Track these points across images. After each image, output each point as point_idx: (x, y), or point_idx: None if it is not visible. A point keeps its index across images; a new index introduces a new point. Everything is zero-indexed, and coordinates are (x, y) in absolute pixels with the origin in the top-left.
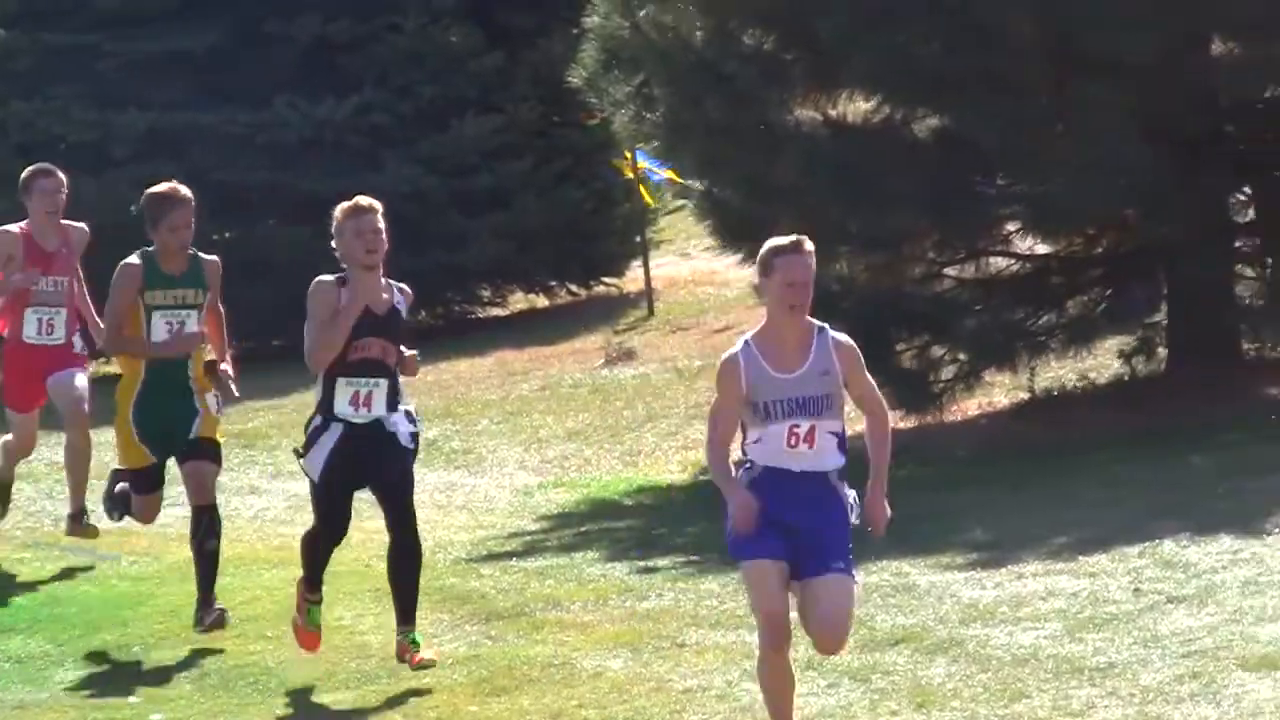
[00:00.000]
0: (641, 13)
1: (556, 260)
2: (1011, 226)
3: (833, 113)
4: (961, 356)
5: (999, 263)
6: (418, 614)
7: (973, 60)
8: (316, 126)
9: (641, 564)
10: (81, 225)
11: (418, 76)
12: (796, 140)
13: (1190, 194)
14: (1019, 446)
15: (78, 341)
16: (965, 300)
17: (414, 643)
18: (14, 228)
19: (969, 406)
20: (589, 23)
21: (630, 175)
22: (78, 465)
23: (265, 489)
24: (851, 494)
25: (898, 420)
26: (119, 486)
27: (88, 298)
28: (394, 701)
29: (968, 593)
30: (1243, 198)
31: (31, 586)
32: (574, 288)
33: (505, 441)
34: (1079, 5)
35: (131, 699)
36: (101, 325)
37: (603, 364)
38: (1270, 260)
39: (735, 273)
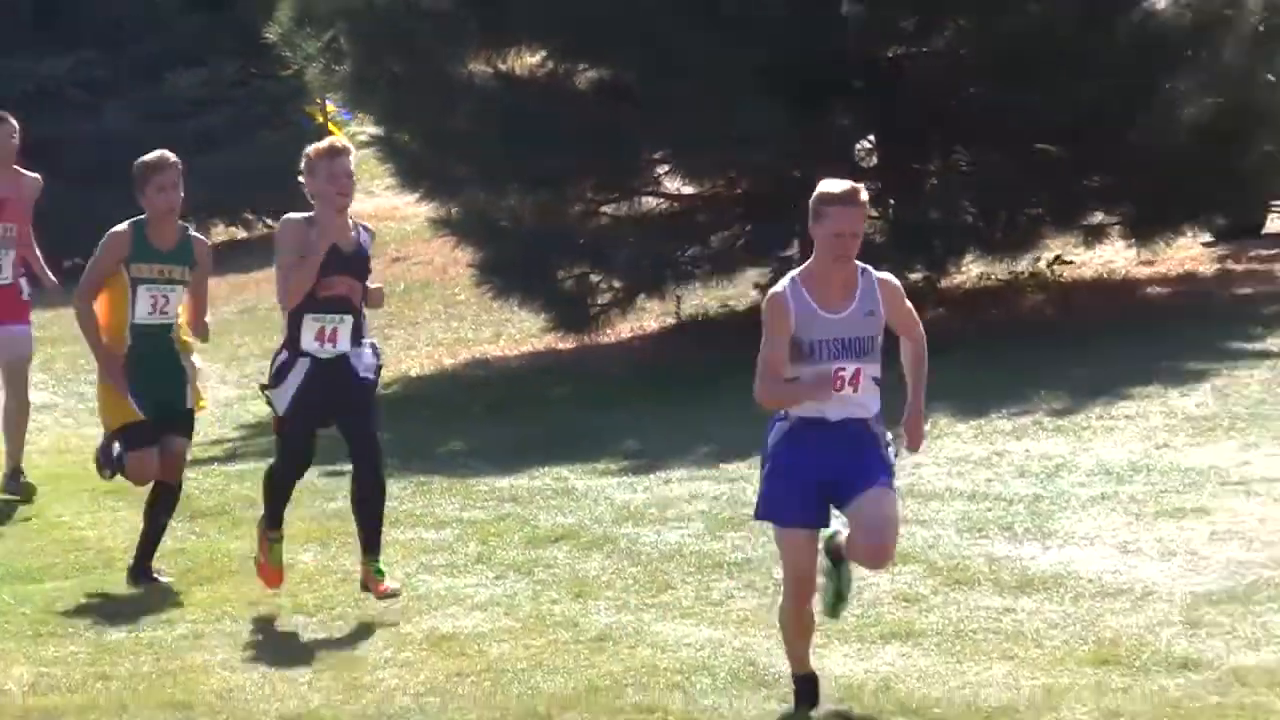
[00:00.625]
0: None
1: (255, 197)
2: (661, 170)
3: (503, 67)
4: (616, 284)
5: (650, 202)
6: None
7: (624, 15)
8: (41, 80)
9: (329, 467)
10: (35, 175)
11: (133, 34)
12: (471, 91)
13: (818, 142)
14: (667, 366)
15: (24, 286)
16: (620, 234)
17: (379, 573)
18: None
19: (622, 330)
20: None
21: (321, 120)
22: (20, 424)
23: None
24: (888, 434)
25: (557, 340)
26: (115, 447)
27: (36, 248)
28: (108, 591)
29: (621, 496)
30: (868, 145)
31: None
32: (269, 222)
33: (208, 359)
34: None
35: None
36: (49, 276)
37: None
38: (892, 202)
39: (413, 209)
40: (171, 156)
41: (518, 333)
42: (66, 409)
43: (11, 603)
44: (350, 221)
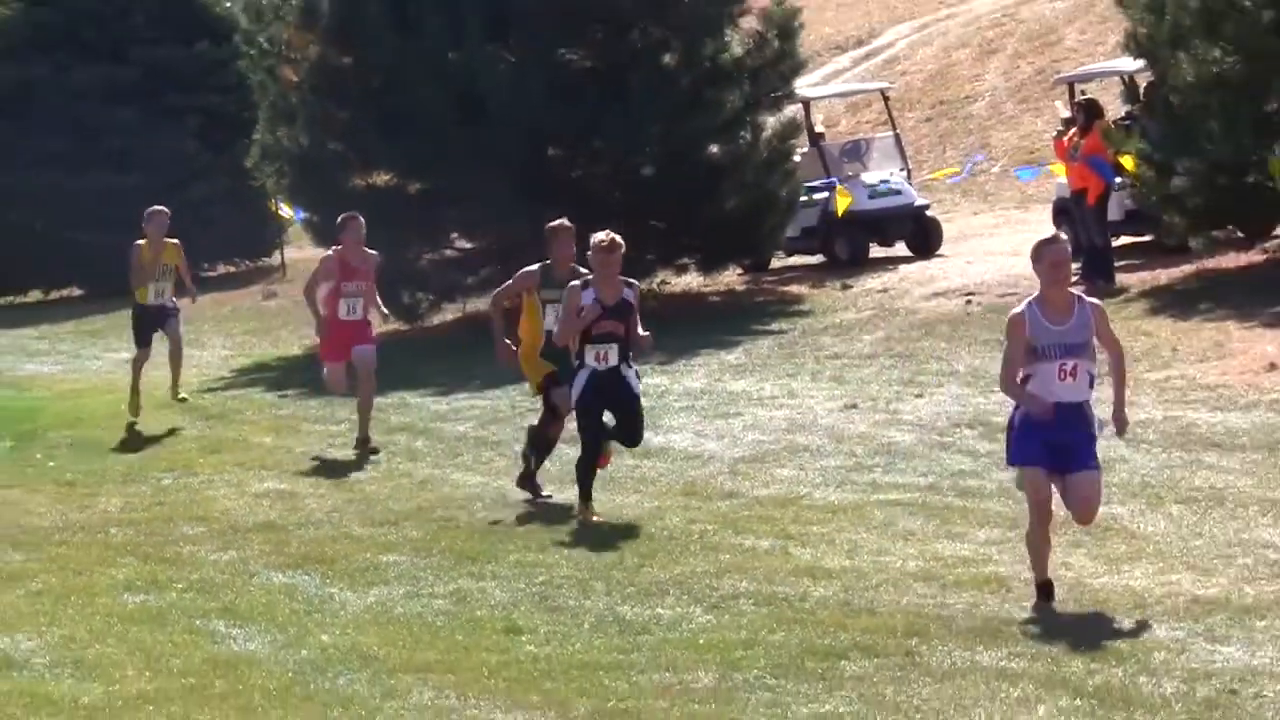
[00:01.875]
0: (279, 133)
1: (240, 248)
2: (454, 235)
3: (372, 182)
4: (431, 297)
5: (449, 252)
6: None
7: (434, 153)
8: None
9: (279, 393)
10: (375, 252)
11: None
12: (355, 196)
13: (538, 221)
14: (454, 341)
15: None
16: (433, 270)
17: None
18: (332, 252)
19: (434, 322)
20: (255, 137)
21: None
22: (368, 405)
23: (103, 357)
24: (1098, 417)
25: (403, 328)
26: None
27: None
28: (164, 457)
29: (434, 405)
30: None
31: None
32: (249, 261)
33: (218, 336)
34: None
35: (38, 455)
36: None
37: (262, 298)
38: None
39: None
40: (568, 223)
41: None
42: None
43: (112, 464)
44: (621, 280)
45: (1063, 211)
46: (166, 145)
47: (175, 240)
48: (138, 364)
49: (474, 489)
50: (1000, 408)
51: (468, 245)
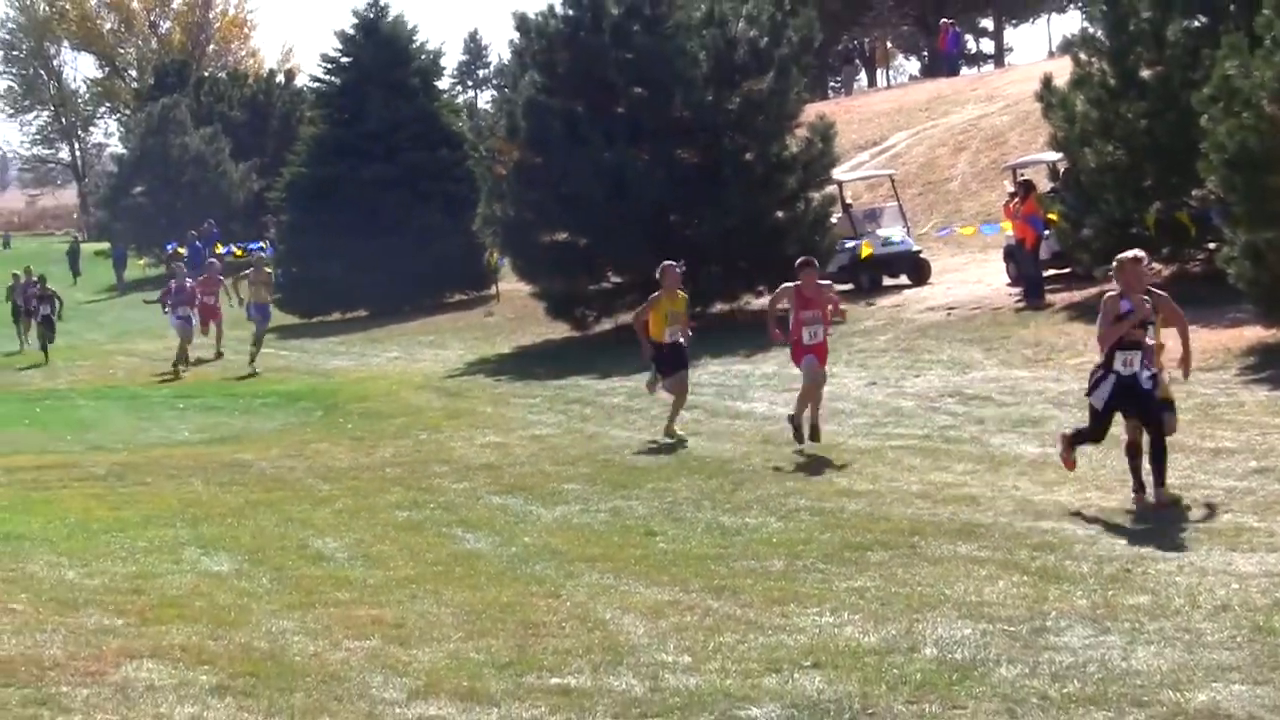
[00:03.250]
0: (495, 207)
1: (466, 281)
2: (609, 272)
3: (555, 238)
4: (593, 314)
5: (605, 284)
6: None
7: (590, 220)
8: None
9: (498, 377)
10: (828, 282)
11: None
12: (546, 247)
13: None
14: (612, 342)
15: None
16: (596, 295)
17: (1174, 500)
18: (790, 285)
19: (596, 330)
20: (480, 210)
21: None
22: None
23: (379, 356)
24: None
25: (574, 334)
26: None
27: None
28: (419, 420)
29: (597, 385)
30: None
31: (308, 387)
32: (473, 291)
33: (457, 341)
34: None
35: (340, 420)
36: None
37: (485, 315)
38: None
39: (525, 287)
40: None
41: (559, 331)
42: (407, 359)
43: (384, 426)
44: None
45: (1010, 254)
46: (420, 217)
47: None
48: None
49: (624, 440)
50: (970, 384)
51: (618, 279)
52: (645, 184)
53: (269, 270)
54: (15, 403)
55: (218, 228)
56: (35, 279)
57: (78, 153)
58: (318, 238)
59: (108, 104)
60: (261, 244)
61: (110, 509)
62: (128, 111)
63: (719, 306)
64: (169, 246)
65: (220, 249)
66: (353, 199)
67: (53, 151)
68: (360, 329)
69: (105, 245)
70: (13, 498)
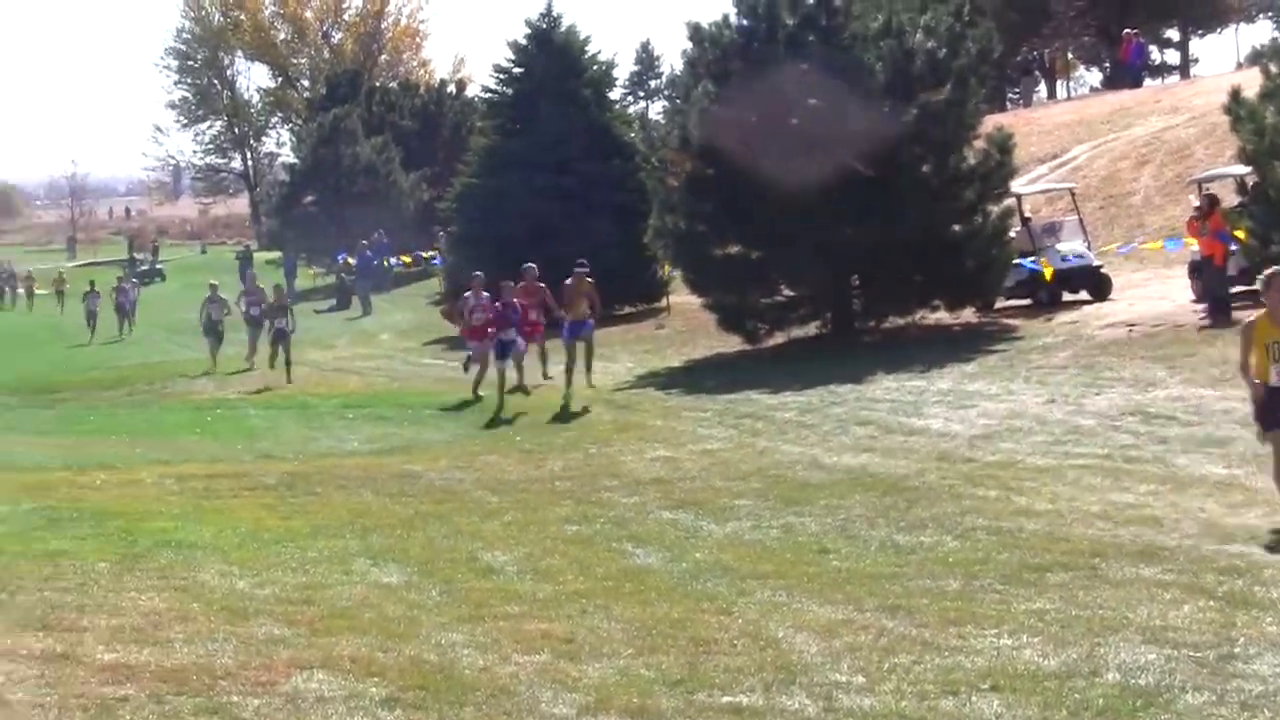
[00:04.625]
0: (666, 219)
1: (639, 294)
2: (781, 284)
3: (729, 251)
4: (765, 327)
5: (778, 296)
6: None
7: (766, 229)
8: None
9: (669, 391)
10: None
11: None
12: (718, 260)
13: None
14: (787, 356)
15: None
16: (767, 308)
17: None
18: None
19: (769, 344)
20: (651, 222)
21: (666, 269)
22: None
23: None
24: None
25: (745, 348)
26: None
27: None
28: (590, 433)
29: (770, 400)
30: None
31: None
32: (645, 304)
33: (627, 354)
34: None
35: (510, 432)
36: None
37: (656, 328)
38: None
39: (697, 300)
40: None
41: (732, 344)
42: (579, 372)
43: (556, 438)
44: None
45: (1195, 270)
46: (591, 229)
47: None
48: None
49: (796, 456)
50: (1153, 403)
51: (791, 293)
52: (818, 197)
53: (590, 281)
54: (186, 412)
55: (387, 238)
56: (259, 287)
57: (249, 162)
58: (487, 249)
59: (280, 114)
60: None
61: (281, 519)
62: (299, 121)
63: (893, 321)
64: (339, 256)
65: (389, 262)
66: (523, 210)
67: (225, 161)
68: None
69: (276, 254)
70: (185, 506)
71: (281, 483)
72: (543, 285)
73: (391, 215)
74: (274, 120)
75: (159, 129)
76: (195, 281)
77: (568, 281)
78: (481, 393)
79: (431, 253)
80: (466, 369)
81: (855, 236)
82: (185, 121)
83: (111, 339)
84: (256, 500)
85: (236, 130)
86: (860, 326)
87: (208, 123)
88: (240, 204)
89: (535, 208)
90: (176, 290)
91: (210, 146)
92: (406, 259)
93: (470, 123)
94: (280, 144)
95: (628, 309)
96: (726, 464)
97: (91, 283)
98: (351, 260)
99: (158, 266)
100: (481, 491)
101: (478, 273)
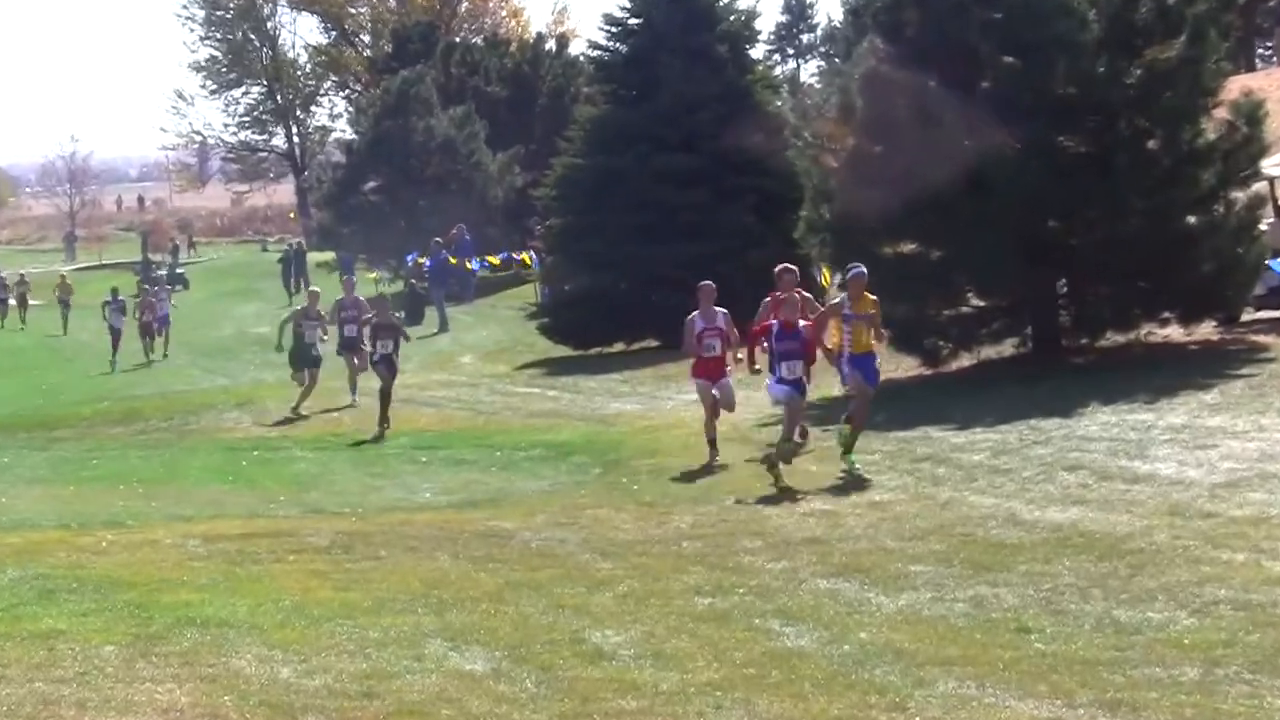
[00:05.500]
0: (821, 210)
1: None
2: (969, 293)
3: (899, 250)
4: (950, 345)
5: (964, 308)
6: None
7: (945, 226)
8: None
9: (826, 428)
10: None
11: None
12: (885, 261)
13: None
14: (975, 383)
15: None
16: (951, 322)
17: None
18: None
19: (953, 366)
20: (802, 213)
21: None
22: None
23: (674, 399)
24: None
25: (924, 370)
26: None
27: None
28: (725, 483)
29: (953, 438)
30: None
31: (582, 435)
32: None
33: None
34: None
35: (624, 479)
36: None
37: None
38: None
39: None
40: None
41: (907, 366)
42: None
43: (684, 487)
44: None
45: None
46: (728, 220)
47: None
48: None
49: (988, 509)
50: None
51: (980, 302)
52: (1017, 180)
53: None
54: (217, 453)
55: (470, 234)
56: (358, 299)
57: (295, 139)
58: (596, 246)
59: (334, 78)
60: (524, 256)
61: (335, 589)
62: (359, 87)
63: (1111, 338)
64: (409, 258)
65: (472, 264)
66: (641, 198)
67: (265, 137)
68: (649, 363)
69: (329, 255)
70: (214, 574)
71: (336, 544)
72: (808, 296)
73: (475, 205)
74: (327, 86)
75: (181, 96)
76: (226, 289)
77: (842, 295)
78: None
79: (526, 252)
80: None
81: (1063, 231)
82: (214, 87)
83: (138, 364)
84: (304, 566)
85: (279, 98)
86: (1069, 345)
87: (242, 88)
88: (284, 192)
89: (656, 195)
90: (203, 301)
91: (246, 119)
92: (494, 260)
93: (574, 88)
94: (334, 116)
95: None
96: (900, 519)
97: (114, 290)
98: (424, 262)
99: (179, 270)
100: (589, 555)
101: (706, 282)
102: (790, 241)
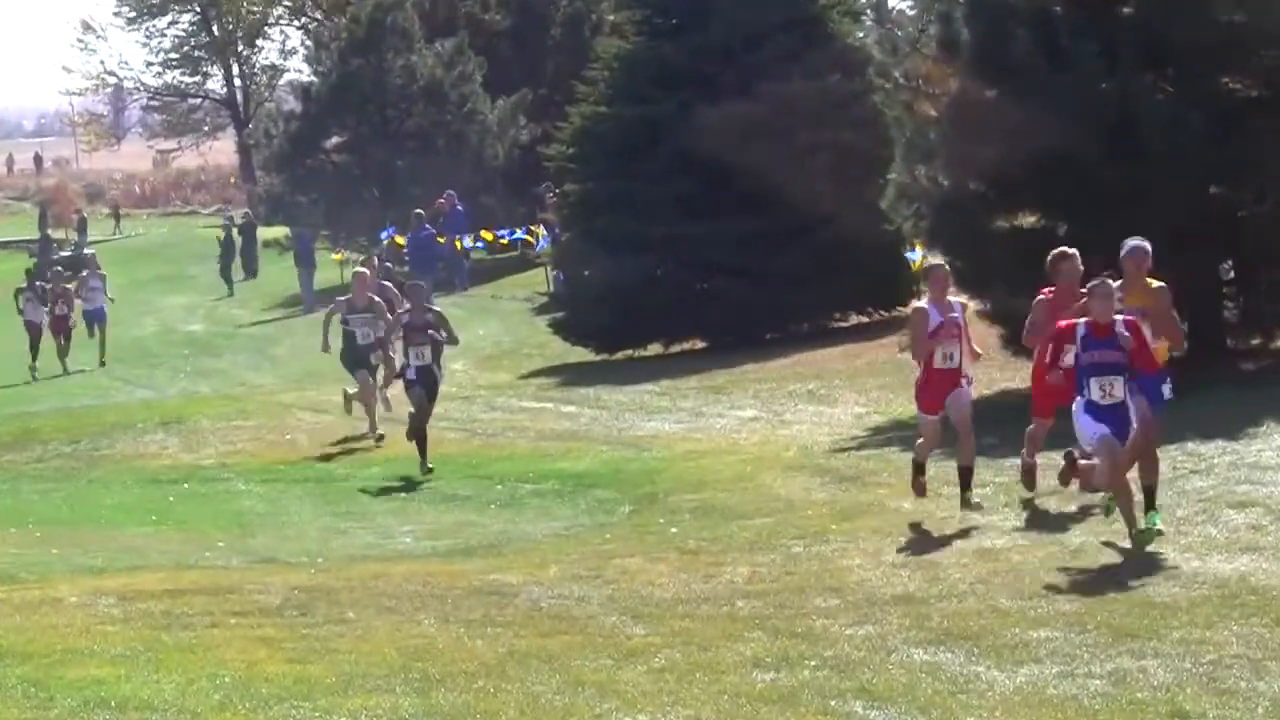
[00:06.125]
0: (916, 172)
1: (874, 298)
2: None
3: (1015, 223)
4: None
5: None
6: None
7: (1078, 196)
8: None
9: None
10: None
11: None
12: (996, 237)
13: None
14: None
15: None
16: None
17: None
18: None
19: None
20: (890, 177)
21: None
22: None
23: (725, 415)
24: None
25: None
26: None
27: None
28: (791, 523)
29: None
30: None
31: (606, 464)
32: (883, 311)
33: (848, 391)
34: None
35: (660, 520)
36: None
37: (898, 351)
38: None
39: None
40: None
41: (1024, 373)
42: (767, 420)
43: (736, 530)
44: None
45: None
46: (796, 187)
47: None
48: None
49: (1133, 559)
50: None
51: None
52: (1169, 134)
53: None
54: (137, 486)
55: (462, 203)
56: (385, 280)
57: (237, 82)
58: (625, 221)
59: (287, 3)
60: (529, 232)
61: (289, 662)
62: (318, 15)
63: None
64: (384, 236)
65: (465, 243)
66: (684, 158)
67: (197, 80)
68: (692, 369)
69: (280, 231)
70: (132, 643)
71: (290, 603)
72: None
73: (469, 167)
74: (277, 14)
75: (89, 27)
76: (147, 276)
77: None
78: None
79: (535, 228)
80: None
81: (1229, 200)
82: (132, 15)
83: (54, 374)
84: (249, 632)
85: (216, 30)
86: (1236, 346)
87: (168, 17)
88: (222, 150)
89: (703, 154)
90: (117, 290)
91: (173, 56)
92: (492, 238)
93: (596, 16)
94: (287, 53)
95: (855, 318)
96: (1018, 571)
97: (30, 274)
98: (402, 241)
99: (87, 251)
100: (616, 617)
101: (937, 262)
102: (875, 212)
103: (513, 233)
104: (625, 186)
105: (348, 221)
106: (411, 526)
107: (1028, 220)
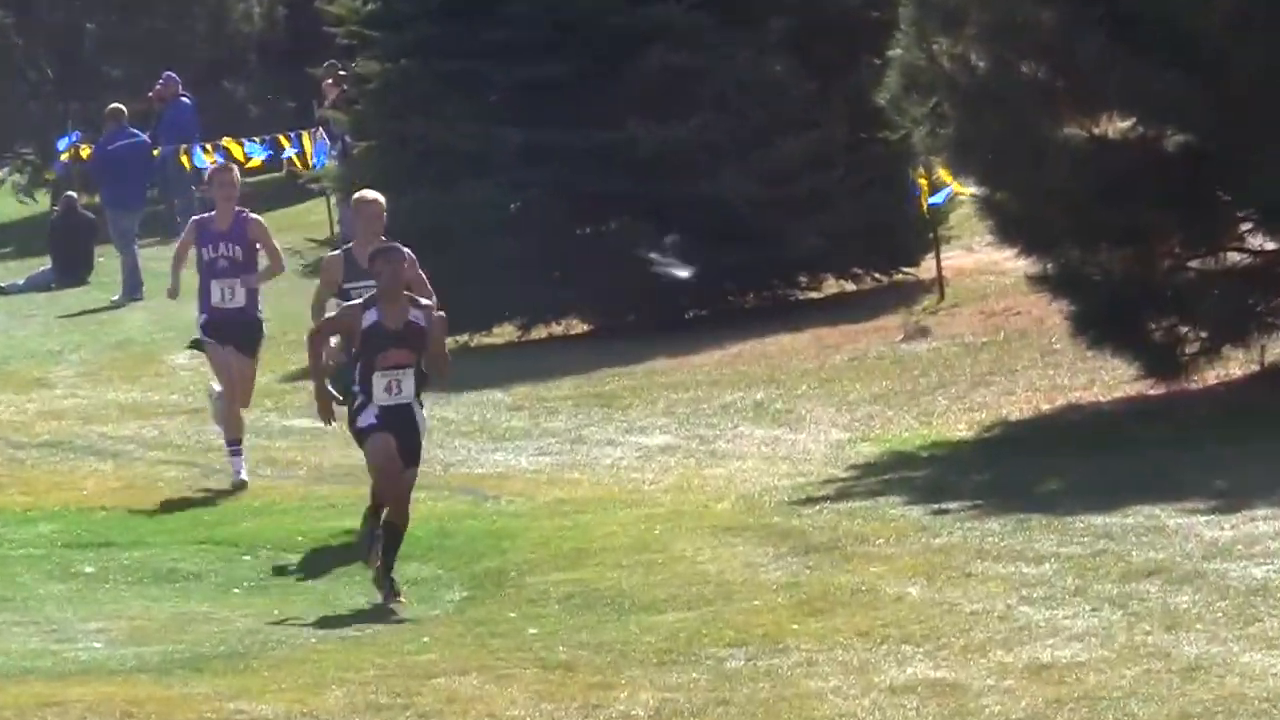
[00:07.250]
0: (935, 45)
1: (863, 252)
2: (1244, 227)
3: (1095, 130)
4: (1202, 335)
5: (1234, 256)
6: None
7: (1204, 88)
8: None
9: (935, 506)
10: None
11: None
12: (1064, 153)
13: None
14: (1251, 412)
15: None
16: (1205, 287)
17: None
18: None
19: (1209, 377)
20: (892, 54)
21: (923, 184)
22: None
23: (620, 441)
24: None
25: (1147, 387)
26: None
27: None
28: (727, 620)
29: (1209, 533)
30: None
31: (425, 522)
32: (878, 275)
33: (820, 403)
34: None
35: (510, 614)
36: None
37: (902, 339)
38: None
39: (1012, 263)
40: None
41: (1110, 379)
42: (688, 450)
43: (637, 632)
44: None
45: None
46: (744, 73)
47: None
48: None
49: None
50: None
51: (1271, 245)
52: None
53: None
54: None
55: (189, 93)
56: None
57: None
58: (460, 121)
59: None
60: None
61: None
62: None
63: None
64: (63, 144)
65: (190, 156)
66: (554, 18)
67: None
68: (566, 367)
69: None
70: None
71: None
72: None
73: (201, 35)
74: None
75: None
76: None
77: None
78: None
79: (310, 134)
80: None
81: None
82: None
83: None
84: None
85: None
86: None
87: None
88: None
89: (584, 20)
90: None
91: None
92: (235, 148)
93: None
94: None
95: (831, 283)
96: (1093, 699)
97: None
98: (85, 151)
99: None
100: None
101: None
102: (866, 115)
103: (273, 142)
104: (461, 66)
105: (10, 129)
106: (102, 622)
107: (1114, 125)
